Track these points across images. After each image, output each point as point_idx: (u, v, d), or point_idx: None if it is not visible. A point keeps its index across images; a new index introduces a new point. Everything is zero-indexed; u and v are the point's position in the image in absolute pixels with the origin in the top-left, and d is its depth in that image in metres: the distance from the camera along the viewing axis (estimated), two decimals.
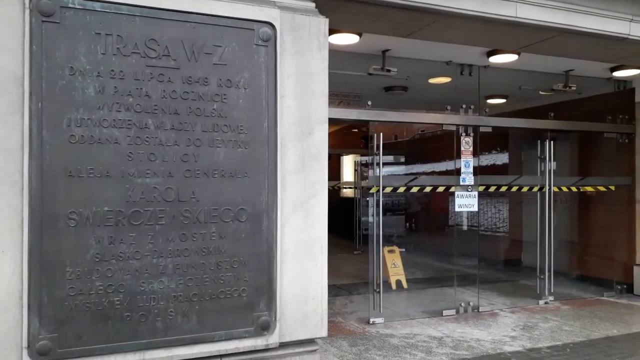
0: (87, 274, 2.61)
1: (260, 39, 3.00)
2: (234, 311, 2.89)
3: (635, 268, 6.72)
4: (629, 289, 6.74)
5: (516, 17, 4.03)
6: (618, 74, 6.28)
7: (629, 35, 4.41)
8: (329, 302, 5.74)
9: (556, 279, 6.30)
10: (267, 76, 3.02)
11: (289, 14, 3.13)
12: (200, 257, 2.83)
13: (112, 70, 2.67)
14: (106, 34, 2.66)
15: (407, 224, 10.14)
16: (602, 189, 6.65)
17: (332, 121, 5.17)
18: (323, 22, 3.26)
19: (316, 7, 3.31)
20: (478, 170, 5.85)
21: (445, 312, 5.62)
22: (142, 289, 2.71)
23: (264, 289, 2.95)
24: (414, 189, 5.82)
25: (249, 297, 2.93)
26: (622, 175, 6.77)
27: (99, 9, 2.65)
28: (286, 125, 3.09)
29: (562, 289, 6.54)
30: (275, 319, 2.98)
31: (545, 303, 6.18)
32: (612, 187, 6.66)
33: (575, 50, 4.97)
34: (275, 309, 2.98)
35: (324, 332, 3.16)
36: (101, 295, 2.63)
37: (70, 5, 2.60)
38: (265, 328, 2.96)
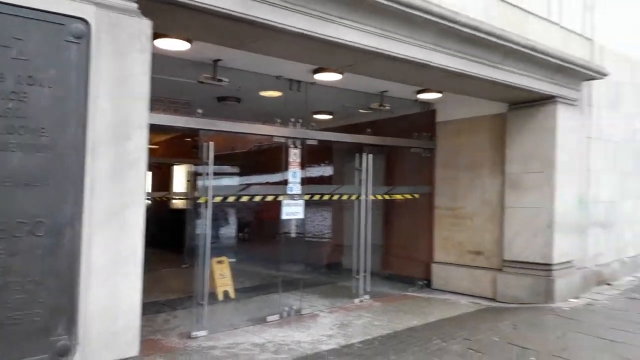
0: None
1: (72, 35, 2.76)
2: (24, 338, 2.56)
3: (433, 265, 7.79)
4: (428, 284, 7.77)
5: (337, 37, 4.32)
6: (422, 96, 7.22)
7: (430, 62, 5.05)
8: (150, 320, 5.47)
9: (371, 278, 6.96)
10: (78, 75, 2.78)
11: (107, 11, 2.93)
12: None
13: None
14: None
15: (240, 234, 10.19)
16: (409, 196, 7.59)
17: (158, 128, 4.96)
18: (146, 24, 3.12)
19: (139, 8, 3.15)
20: (306, 181, 6.17)
21: (269, 318, 5.75)
22: None
23: (63, 310, 2.67)
24: (244, 198, 5.90)
25: (44, 320, 2.62)
26: (424, 184, 7.82)
27: None
28: (99, 129, 2.87)
29: (375, 287, 7.20)
30: (77, 342, 2.71)
31: (360, 301, 6.77)
32: (417, 195, 7.65)
33: (388, 73, 5.51)
34: (77, 331, 2.72)
35: (134, 351, 2.97)
36: None
37: None
38: (63, 353, 2.67)
